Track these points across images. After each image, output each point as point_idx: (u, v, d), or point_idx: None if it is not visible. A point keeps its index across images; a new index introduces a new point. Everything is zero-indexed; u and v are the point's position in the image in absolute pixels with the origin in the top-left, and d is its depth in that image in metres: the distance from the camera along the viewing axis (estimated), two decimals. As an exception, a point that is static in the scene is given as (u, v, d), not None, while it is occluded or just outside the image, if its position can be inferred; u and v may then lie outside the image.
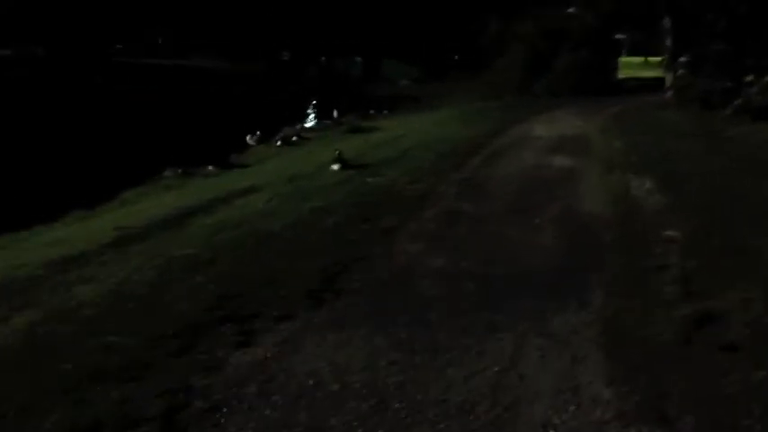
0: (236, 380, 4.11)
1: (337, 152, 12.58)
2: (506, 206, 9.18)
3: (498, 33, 37.04)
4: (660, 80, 28.96)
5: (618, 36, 41.19)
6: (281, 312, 5.14)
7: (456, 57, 52.95)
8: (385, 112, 27.78)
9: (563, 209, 9.01)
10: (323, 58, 57.26)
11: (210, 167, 13.67)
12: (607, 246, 7.10)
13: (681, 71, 24.79)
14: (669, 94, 25.72)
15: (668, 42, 26.39)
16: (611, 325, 4.94)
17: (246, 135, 18.21)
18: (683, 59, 24.39)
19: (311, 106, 24.63)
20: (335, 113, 23.45)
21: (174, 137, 19.85)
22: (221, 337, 4.71)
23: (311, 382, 4.09)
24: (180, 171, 13.06)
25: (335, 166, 12.17)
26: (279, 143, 17.02)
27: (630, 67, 41.92)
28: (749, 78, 19.35)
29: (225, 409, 3.76)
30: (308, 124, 23.34)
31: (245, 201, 9.54)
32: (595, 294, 5.58)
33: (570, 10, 36.13)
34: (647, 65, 37.76)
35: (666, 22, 26.32)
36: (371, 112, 27.25)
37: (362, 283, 5.95)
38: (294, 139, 17.97)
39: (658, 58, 30.57)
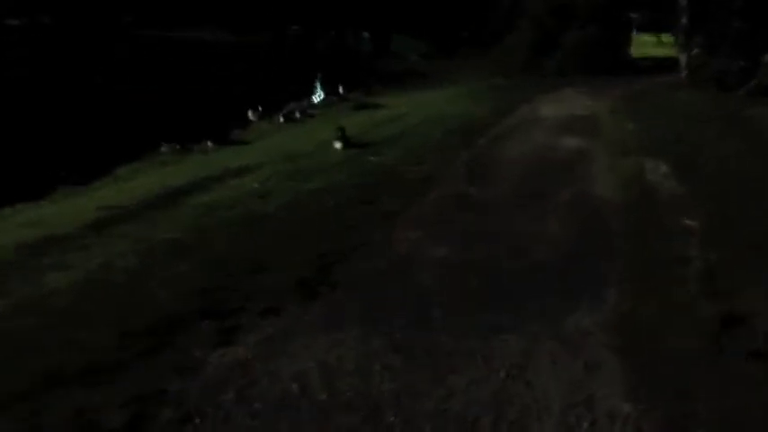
0: (214, 384, 3.73)
1: (340, 130, 12.11)
2: (514, 190, 8.73)
3: (508, 9, 36.25)
4: (673, 59, 28.22)
5: (630, 14, 40.26)
6: (269, 306, 4.74)
7: (465, 33, 52.11)
8: (393, 88, 27.13)
9: (574, 193, 8.55)
10: (332, 32, 56.44)
11: (209, 143, 13.20)
12: (621, 235, 6.65)
13: (695, 50, 24.09)
14: (683, 73, 24.99)
15: (683, 20, 25.61)
16: (627, 327, 4.53)
17: (249, 110, 17.69)
18: (697, 38, 23.69)
19: (318, 81, 24.08)
20: (341, 89, 22.81)
21: (175, 111, 19.37)
22: (201, 333, 4.32)
23: (297, 388, 3.70)
24: (177, 147, 12.59)
25: (337, 145, 11.71)
26: (281, 119, 16.51)
27: (643, 45, 41.01)
28: (767, 58, 18.73)
29: (198, 420, 3.38)
30: (316, 99, 22.83)
31: (241, 180, 9.11)
32: (610, 291, 5.16)
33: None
34: (660, 43, 36.88)
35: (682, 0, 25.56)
36: (379, 87, 26.63)
37: (359, 274, 5.54)
38: (297, 115, 17.44)
39: (672, 37, 29.81)
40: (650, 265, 5.70)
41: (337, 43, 53.22)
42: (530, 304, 4.87)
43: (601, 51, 32.15)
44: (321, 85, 25.76)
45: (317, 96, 23.23)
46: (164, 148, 12.65)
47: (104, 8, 64.87)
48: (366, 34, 56.74)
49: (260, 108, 18.06)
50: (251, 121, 17.27)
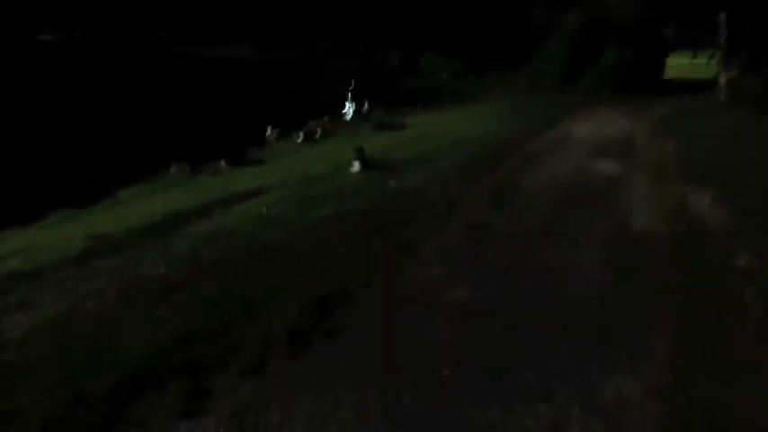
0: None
1: (358, 151, 11.45)
2: (544, 220, 7.95)
3: (542, 26, 35.49)
4: (711, 79, 27.20)
5: (666, 30, 39.20)
6: (252, 362, 4.06)
7: (497, 51, 51.40)
8: (419, 107, 26.47)
9: (611, 226, 7.75)
10: (360, 50, 56.15)
11: (223, 163, 12.62)
12: (668, 277, 5.83)
13: (734, 70, 23.11)
14: (722, 93, 24.00)
15: (722, 38, 24.64)
16: (679, 397, 3.75)
17: (267, 129, 17.13)
18: (737, 57, 22.73)
19: (348, 98, 23.49)
20: (365, 107, 22.19)
21: (194, 128, 18.98)
22: (167, 398, 3.64)
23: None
24: (188, 167, 12.02)
25: (355, 167, 11.05)
26: (300, 139, 15.91)
27: (678, 63, 39.98)
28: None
29: None
30: (347, 116, 22.24)
31: (248, 205, 8.47)
32: (656, 347, 4.38)
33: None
34: (696, 62, 35.79)
35: (721, 17, 24.58)
36: (405, 107, 25.99)
37: (361, 322, 4.82)
38: (317, 134, 16.85)
39: (708, 55, 28.78)
40: (704, 316, 4.90)
41: (366, 60, 52.95)
42: (561, 362, 4.12)
43: (637, 70, 31.21)
44: (351, 102, 25.23)
45: (348, 113, 22.65)
46: (173, 169, 12.09)
47: (140, 25, 65.93)
48: (396, 52, 56.43)
49: (277, 127, 17.47)
50: (270, 139, 16.68)
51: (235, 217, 7.73)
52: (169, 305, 4.91)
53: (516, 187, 9.71)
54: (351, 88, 24.74)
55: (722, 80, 24.54)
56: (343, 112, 23.20)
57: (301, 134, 16.31)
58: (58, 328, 4.52)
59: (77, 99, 25.09)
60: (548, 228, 7.58)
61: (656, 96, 29.26)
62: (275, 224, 7.32)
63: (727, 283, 5.55)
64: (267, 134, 16.99)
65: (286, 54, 54.29)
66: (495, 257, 6.43)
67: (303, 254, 6.32)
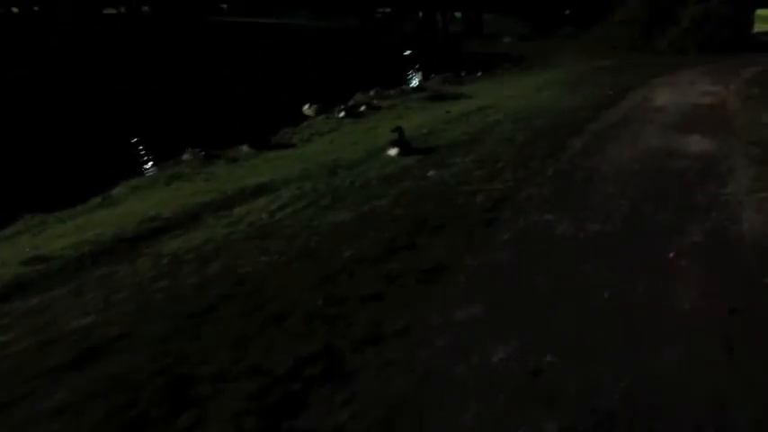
0: None
1: (398, 132, 9.82)
2: (619, 225, 6.19)
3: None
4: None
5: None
6: None
7: (567, 10, 48.37)
8: (479, 73, 24.45)
9: (709, 231, 5.95)
10: (420, 14, 53.86)
11: (246, 148, 11.16)
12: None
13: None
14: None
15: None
16: None
17: (306, 105, 15.59)
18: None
19: (411, 68, 21.78)
20: (420, 77, 20.29)
21: (232, 106, 17.73)
22: None
23: None
24: (202, 153, 10.60)
25: (392, 152, 9.44)
26: (342, 114, 14.30)
27: (764, 20, 36.46)
28: None
29: None
30: (411, 85, 20.48)
31: (250, 207, 6.97)
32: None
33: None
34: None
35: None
36: (463, 74, 24.03)
37: (347, 415, 3.27)
38: (362, 108, 15.19)
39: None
40: None
41: (425, 25, 50.62)
42: None
43: (723, 26, 28.16)
44: (413, 70, 23.53)
45: (412, 82, 20.89)
46: (186, 156, 10.69)
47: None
48: (458, 14, 53.86)
49: (318, 102, 15.87)
50: (309, 115, 15.13)
51: (226, 227, 6.25)
52: (72, 382, 3.48)
53: (585, 176, 7.91)
54: (407, 55, 22.93)
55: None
56: (408, 81, 21.52)
57: (342, 110, 14.67)
58: None
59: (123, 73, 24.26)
60: (624, 235, 5.84)
61: (746, 55, 26.36)
62: (271, 238, 5.80)
63: None
64: (305, 110, 15.43)
65: (342, 22, 52.66)
66: (554, 286, 4.75)
67: (290, 290, 4.75)
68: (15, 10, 68.44)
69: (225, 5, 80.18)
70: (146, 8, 74.98)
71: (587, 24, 36.34)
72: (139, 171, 10.82)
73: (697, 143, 9.62)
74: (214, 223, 6.43)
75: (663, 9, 29.47)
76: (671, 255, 5.43)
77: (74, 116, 17.32)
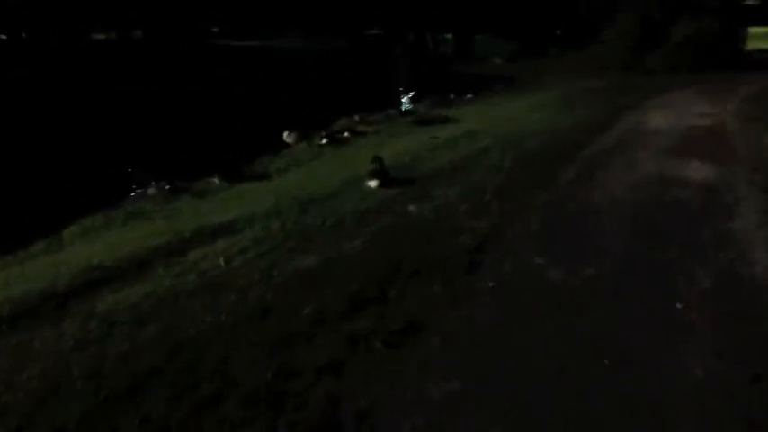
0: None
1: (377, 161, 9.16)
2: (617, 268, 5.52)
3: (606, 1, 32.17)
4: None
5: (747, 2, 35.34)
6: None
7: (557, 31, 48.10)
8: (469, 96, 23.88)
9: (719, 275, 5.28)
10: (410, 37, 53.51)
11: (216, 180, 10.47)
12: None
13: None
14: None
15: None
16: None
17: (285, 132, 14.91)
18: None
19: (401, 90, 21.15)
20: (408, 100, 19.63)
21: (217, 131, 17.05)
22: None
23: None
24: (167, 188, 9.89)
25: (372, 183, 8.78)
26: (324, 141, 13.60)
27: (756, 38, 36.07)
28: None
29: None
30: (403, 108, 19.82)
31: (207, 251, 6.27)
32: None
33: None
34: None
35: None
36: (452, 96, 23.43)
37: None
38: (345, 134, 14.53)
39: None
40: None
41: (415, 47, 50.19)
42: None
43: (716, 44, 27.65)
44: (404, 93, 22.91)
45: (405, 106, 20.28)
46: (151, 190, 9.98)
47: (192, 21, 66.05)
48: (449, 36, 53.51)
49: (300, 128, 15.21)
50: (288, 143, 14.45)
51: (175, 277, 5.54)
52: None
53: (578, 209, 7.25)
54: (398, 79, 22.30)
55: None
56: (395, 104, 20.92)
57: (324, 136, 13.98)
58: None
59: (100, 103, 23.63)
60: (623, 283, 5.16)
61: (740, 73, 25.85)
62: (223, 291, 5.09)
63: None
64: (285, 137, 14.75)
65: (331, 44, 52.18)
66: (546, 347, 4.07)
67: (228, 371, 4.00)
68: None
69: (216, 29, 79.95)
70: (138, 33, 74.60)
71: (577, 44, 35.96)
72: (108, 204, 10.06)
73: (697, 170, 8.98)
74: (163, 273, 5.72)
75: (655, 26, 29.02)
76: (678, 306, 4.76)
77: (48, 143, 16.63)
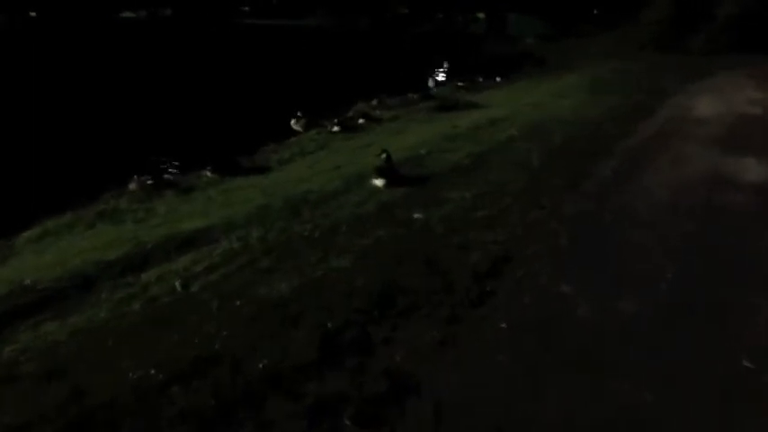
0: None
1: (384, 156, 8.09)
2: (664, 304, 4.40)
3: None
4: None
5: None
6: None
7: (594, 10, 46.28)
8: (497, 78, 22.57)
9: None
10: (439, 15, 51.93)
11: (207, 173, 9.50)
12: None
13: None
14: None
15: None
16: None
17: (293, 119, 13.89)
18: None
19: (430, 73, 20.11)
20: (433, 83, 18.44)
21: (229, 117, 16.21)
22: None
23: None
24: (149, 182, 8.92)
25: (377, 181, 7.72)
26: (335, 128, 12.53)
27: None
28: None
29: None
30: (427, 90, 18.73)
31: (166, 269, 5.28)
32: None
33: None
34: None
35: None
36: (480, 78, 22.14)
37: None
38: (360, 121, 13.42)
39: None
40: None
41: (444, 25, 48.63)
42: None
43: (764, 23, 25.85)
44: (433, 75, 21.84)
45: (433, 89, 19.17)
46: (132, 185, 9.02)
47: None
48: (481, 15, 51.82)
49: (308, 114, 14.16)
50: (297, 131, 13.40)
51: (116, 305, 4.56)
52: None
53: (613, 219, 6.12)
54: (423, 60, 21.22)
55: None
56: (418, 87, 19.88)
57: (336, 123, 12.89)
58: None
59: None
60: (672, 326, 4.05)
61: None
62: (166, 330, 4.08)
63: None
64: (292, 124, 13.69)
65: (354, 23, 50.81)
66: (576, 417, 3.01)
67: None
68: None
69: (246, 8, 79.24)
70: (167, 11, 74.22)
71: (614, 24, 34.33)
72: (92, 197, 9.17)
73: (753, 168, 7.77)
74: (105, 297, 4.75)
75: (696, 6, 27.30)
76: (745, 363, 3.66)
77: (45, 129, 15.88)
